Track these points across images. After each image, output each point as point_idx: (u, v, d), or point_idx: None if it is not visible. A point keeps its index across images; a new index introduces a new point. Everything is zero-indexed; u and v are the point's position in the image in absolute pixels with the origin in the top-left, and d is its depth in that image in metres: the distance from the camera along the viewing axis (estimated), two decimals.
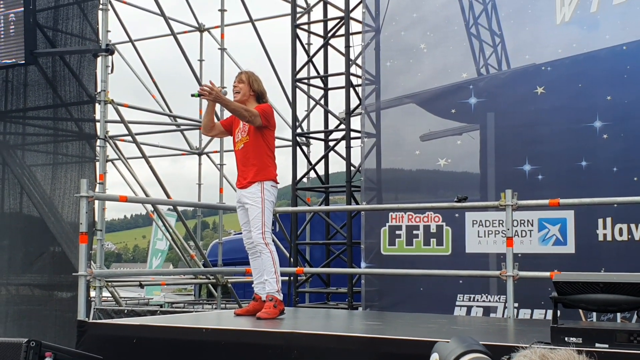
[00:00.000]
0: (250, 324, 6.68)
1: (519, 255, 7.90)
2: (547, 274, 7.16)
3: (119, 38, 15.77)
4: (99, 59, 11.18)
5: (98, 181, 11.00)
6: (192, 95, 7.46)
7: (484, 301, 8.71)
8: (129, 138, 12.92)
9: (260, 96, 7.38)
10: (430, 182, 9.52)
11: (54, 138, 12.12)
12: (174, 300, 18.12)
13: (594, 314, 7.31)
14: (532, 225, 8.44)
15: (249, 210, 7.18)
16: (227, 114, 11.70)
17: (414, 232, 9.25)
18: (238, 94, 7.31)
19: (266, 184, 7.19)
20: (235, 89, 7.36)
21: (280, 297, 7.21)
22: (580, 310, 7.19)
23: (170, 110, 15.09)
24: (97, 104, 11.18)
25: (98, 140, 11.25)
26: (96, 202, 10.51)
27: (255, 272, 7.40)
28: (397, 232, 9.34)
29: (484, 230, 8.78)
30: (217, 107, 8.14)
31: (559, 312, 5.38)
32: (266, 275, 7.18)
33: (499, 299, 8.56)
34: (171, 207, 14.47)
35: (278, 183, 7.42)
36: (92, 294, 10.91)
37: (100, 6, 11.27)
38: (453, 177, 9.33)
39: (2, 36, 11.37)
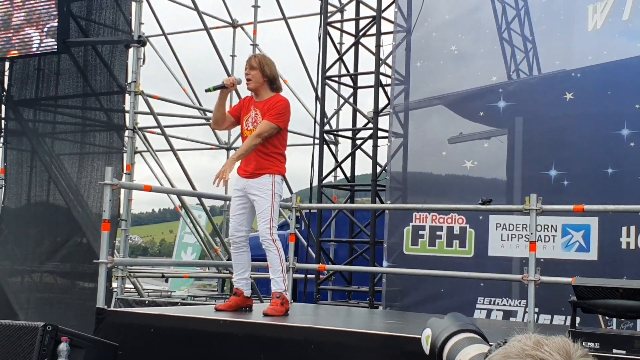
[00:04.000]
0: (268, 318, 6.71)
1: (542, 260, 7.86)
2: (569, 279, 7.10)
3: (152, 31, 15.84)
4: (131, 50, 11.25)
5: (125, 171, 11.09)
6: (207, 90, 7.07)
7: (504, 305, 8.68)
8: (158, 130, 13.01)
9: (272, 80, 7.04)
10: (456, 186, 9.49)
11: (82, 127, 12.21)
12: (196, 294, 18.19)
13: (614, 322, 7.27)
14: (555, 230, 8.40)
15: (257, 202, 6.91)
16: (234, 102, 11.68)
17: (437, 232, 9.23)
18: (250, 82, 7.01)
19: (277, 177, 6.96)
20: (247, 77, 7.01)
21: (287, 296, 7.10)
22: (600, 318, 7.17)
23: (200, 104, 15.16)
24: (127, 95, 11.26)
25: (127, 131, 11.34)
26: (122, 192, 10.61)
27: (239, 266, 7.19)
28: (421, 232, 9.33)
29: (507, 233, 8.76)
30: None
31: (578, 319, 5.37)
32: (272, 274, 6.97)
33: (520, 303, 8.53)
34: (198, 202, 14.52)
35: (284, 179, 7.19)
36: (115, 284, 11.00)
37: None
38: (479, 181, 9.30)
39: (36, 24, 11.49)
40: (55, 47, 11.22)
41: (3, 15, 11.80)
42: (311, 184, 10.89)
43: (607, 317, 7.07)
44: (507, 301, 8.67)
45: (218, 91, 7.08)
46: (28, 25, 11.50)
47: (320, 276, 11.12)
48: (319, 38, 11.23)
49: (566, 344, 1.64)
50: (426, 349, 2.15)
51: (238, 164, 7.18)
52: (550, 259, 8.26)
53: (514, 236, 8.69)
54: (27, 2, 11.50)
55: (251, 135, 6.96)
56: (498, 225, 8.81)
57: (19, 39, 11.62)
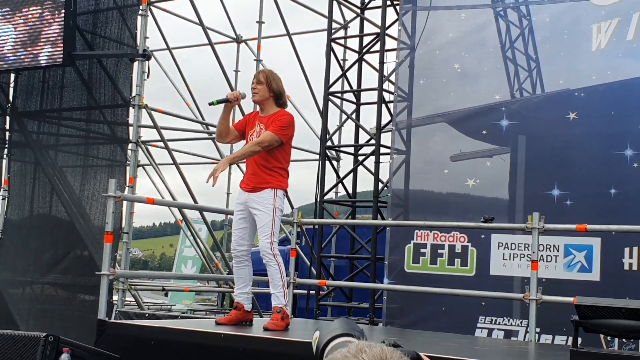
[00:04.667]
0: (269, 332, 6.66)
1: (543, 280, 7.83)
2: (571, 299, 7.05)
3: (156, 45, 15.89)
4: (136, 64, 11.29)
5: (127, 184, 11.07)
6: (210, 104, 7.07)
7: (505, 324, 8.64)
8: (161, 144, 13.00)
9: (278, 96, 7.04)
10: (458, 204, 9.46)
11: (86, 140, 12.20)
12: (196, 309, 18.14)
13: (616, 342, 7.23)
14: (557, 250, 8.37)
15: (258, 216, 6.86)
16: (237, 117, 11.68)
17: (439, 251, 9.20)
18: (256, 95, 7.00)
19: (279, 192, 6.91)
20: (254, 90, 7.01)
21: (288, 311, 7.04)
22: (602, 338, 7.13)
23: (203, 119, 15.16)
24: (131, 108, 11.27)
25: (130, 145, 11.33)
26: (124, 205, 10.59)
27: (240, 281, 7.12)
28: (422, 250, 9.30)
29: (509, 253, 8.73)
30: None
31: (580, 339, 5.33)
32: (273, 288, 6.90)
33: (521, 323, 8.49)
34: (199, 216, 14.49)
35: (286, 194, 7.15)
36: (115, 297, 10.96)
37: (140, 12, 11.39)
38: (481, 200, 9.28)
39: (42, 37, 11.51)
40: (61, 60, 11.23)
41: (32, 30, 11.76)
42: (316, 199, 10.87)
43: (609, 338, 7.03)
44: (508, 320, 8.63)
45: (221, 105, 7.05)
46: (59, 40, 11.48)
47: (321, 292, 11.08)
48: (327, 54, 11.24)
49: (383, 352, 1.79)
50: (313, 350, 2.28)
51: (236, 174, 7.15)
52: (552, 279, 8.22)
53: (515, 255, 8.66)
54: (56, 18, 11.47)
55: (252, 142, 6.95)
56: (500, 244, 8.78)
57: (48, 55, 11.57)
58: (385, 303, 9.62)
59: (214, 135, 14.59)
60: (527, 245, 8.36)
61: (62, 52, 11.23)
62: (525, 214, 8.09)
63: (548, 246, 8.37)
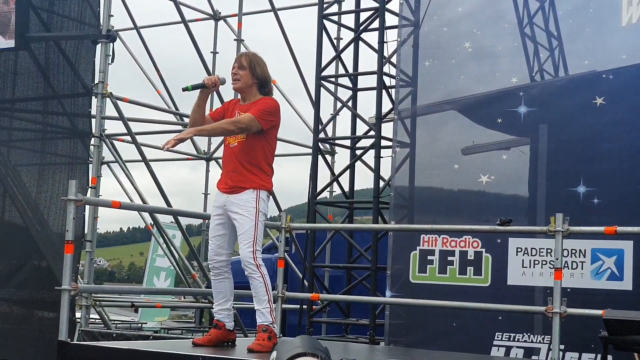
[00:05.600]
0: (254, 354, 6.68)
1: (568, 289, 7.86)
2: (599, 312, 7.10)
3: (122, 25, 15.88)
4: (99, 47, 11.26)
5: (90, 185, 11.05)
6: (184, 90, 7.01)
7: (525, 341, 8.68)
8: (128, 138, 13.00)
9: (263, 83, 7.04)
10: (471, 204, 9.48)
11: (43, 134, 12.15)
12: (170, 327, 18.16)
13: None
14: (584, 256, 8.39)
15: (239, 221, 6.84)
16: (216, 105, 11.65)
17: (449, 258, 9.23)
18: (238, 82, 6.99)
19: (262, 192, 6.89)
20: (235, 76, 6.99)
21: (275, 329, 7.03)
22: (636, 357, 7.16)
23: (176, 108, 15.16)
24: (93, 97, 11.25)
25: (92, 139, 11.32)
26: (87, 209, 10.59)
27: (219, 296, 7.13)
28: (429, 257, 9.32)
29: (529, 259, 8.75)
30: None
31: (610, 357, 5.37)
32: (257, 304, 6.88)
33: (543, 339, 8.53)
34: (173, 220, 14.50)
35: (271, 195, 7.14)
36: (78, 314, 10.97)
37: None
38: (497, 199, 9.30)
39: None
40: (13, 42, 11.20)
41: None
42: (309, 200, 10.87)
43: None
44: (529, 337, 8.66)
45: (197, 91, 7.05)
46: None
47: (314, 307, 11.09)
48: (318, 33, 11.24)
49: None
50: None
51: (215, 170, 7.17)
52: (578, 288, 8.26)
53: (536, 262, 8.68)
54: None
55: (227, 119, 6.94)
56: (519, 249, 8.81)
57: None
58: (388, 319, 9.64)
59: (188, 126, 14.63)
60: (549, 251, 8.40)
61: (14, 33, 11.22)
62: (548, 215, 8.10)
63: (573, 251, 8.39)
